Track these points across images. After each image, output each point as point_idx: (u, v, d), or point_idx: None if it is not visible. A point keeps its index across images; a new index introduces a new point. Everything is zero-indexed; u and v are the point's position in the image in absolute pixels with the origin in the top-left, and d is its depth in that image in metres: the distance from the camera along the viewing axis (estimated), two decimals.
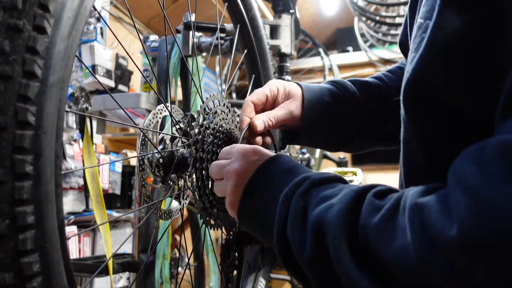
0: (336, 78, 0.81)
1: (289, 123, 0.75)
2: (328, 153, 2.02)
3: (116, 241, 2.08)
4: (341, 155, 2.19)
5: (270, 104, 0.75)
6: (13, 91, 0.31)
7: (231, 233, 0.75)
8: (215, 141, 0.69)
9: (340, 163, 2.14)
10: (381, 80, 0.81)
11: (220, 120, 0.72)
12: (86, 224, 2.07)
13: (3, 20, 0.32)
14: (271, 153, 0.58)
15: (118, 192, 2.41)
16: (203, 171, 0.66)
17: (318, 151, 1.84)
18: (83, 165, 1.32)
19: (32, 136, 0.32)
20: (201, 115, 0.69)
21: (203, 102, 0.70)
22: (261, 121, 0.70)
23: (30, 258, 0.32)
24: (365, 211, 0.41)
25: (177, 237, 2.46)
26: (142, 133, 0.73)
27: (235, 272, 0.76)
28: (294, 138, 0.79)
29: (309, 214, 0.45)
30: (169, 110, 0.74)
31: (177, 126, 0.75)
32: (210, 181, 0.68)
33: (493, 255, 0.30)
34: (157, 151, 0.72)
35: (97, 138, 2.48)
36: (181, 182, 0.76)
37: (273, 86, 0.74)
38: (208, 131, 0.68)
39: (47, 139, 0.33)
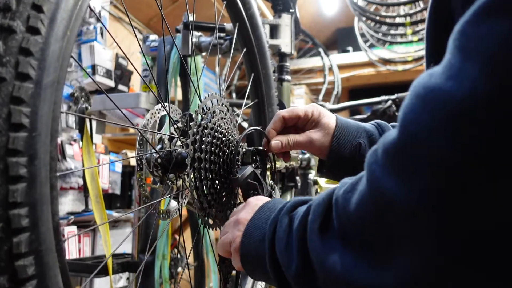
0: (381, 121, 0.81)
1: (309, 151, 0.78)
2: None
3: (116, 241, 2.08)
4: None
5: (301, 125, 0.77)
6: (6, 93, 0.31)
7: None
8: (213, 141, 0.69)
9: None
10: None
11: (218, 119, 0.71)
12: (86, 224, 2.06)
13: None
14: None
15: (118, 192, 2.41)
16: (201, 171, 0.66)
17: None
18: (83, 165, 1.32)
19: (26, 138, 0.32)
20: (199, 115, 0.68)
21: (201, 101, 0.70)
22: (279, 142, 0.75)
23: (24, 261, 0.31)
24: (336, 189, 0.42)
25: (177, 237, 2.46)
26: (140, 133, 0.72)
27: (233, 272, 0.76)
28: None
29: (293, 226, 0.47)
30: (167, 109, 0.73)
31: (175, 126, 0.75)
32: (208, 181, 0.68)
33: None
34: (155, 151, 0.71)
35: (97, 138, 2.48)
36: (180, 182, 0.76)
37: (310, 109, 0.76)
38: (206, 131, 0.67)
39: (42, 141, 0.33)
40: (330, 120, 0.76)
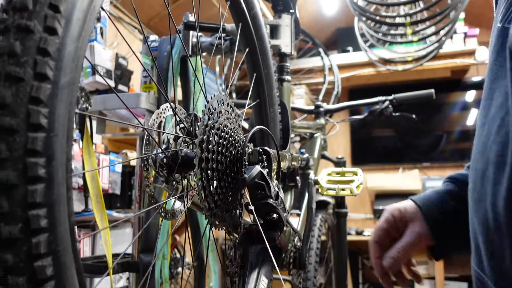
0: (453, 174, 0.76)
1: (423, 244, 0.72)
2: (326, 153, 2.01)
3: (116, 241, 2.08)
4: (339, 155, 2.18)
5: (394, 234, 0.73)
6: (25, 93, 0.31)
7: (235, 234, 0.75)
8: (220, 141, 0.69)
9: (339, 163, 2.13)
10: None
11: (224, 119, 0.71)
12: (86, 224, 2.06)
13: (14, 21, 0.32)
14: None
15: (118, 192, 2.41)
16: (209, 171, 0.66)
17: (316, 151, 1.84)
18: (83, 165, 1.32)
19: (45, 139, 0.32)
20: (206, 115, 0.68)
21: (207, 101, 0.70)
22: (390, 259, 0.69)
23: (43, 262, 0.31)
24: None
25: (177, 237, 2.46)
26: (146, 133, 0.72)
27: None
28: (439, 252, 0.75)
29: None
30: (174, 109, 0.73)
31: (181, 126, 0.75)
32: (215, 182, 0.68)
33: None
34: (161, 151, 0.71)
35: (97, 138, 2.48)
36: (185, 182, 0.75)
37: (389, 215, 0.73)
38: (213, 131, 0.67)
39: (59, 142, 0.33)
40: (411, 205, 0.72)
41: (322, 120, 1.91)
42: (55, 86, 0.32)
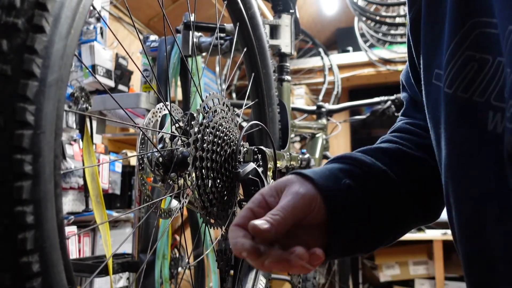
0: (342, 154, 0.60)
1: (306, 213, 0.51)
2: (328, 154, 2.00)
3: (116, 241, 2.08)
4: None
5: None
6: (11, 90, 0.31)
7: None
8: (215, 139, 0.69)
9: None
10: (394, 142, 0.65)
11: (219, 118, 0.72)
12: (86, 224, 2.06)
13: (1, 19, 0.32)
14: None
15: (118, 192, 2.41)
16: (203, 170, 0.66)
17: (318, 151, 1.84)
18: (83, 165, 1.32)
19: (31, 136, 0.32)
20: (201, 114, 0.68)
21: (202, 101, 0.70)
22: (263, 221, 0.46)
23: (29, 258, 0.31)
24: None
25: (177, 237, 2.46)
26: (141, 132, 0.73)
27: (231, 271, 0.76)
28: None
29: None
30: (169, 108, 0.74)
31: (177, 125, 0.75)
32: (209, 180, 0.68)
33: None
34: (156, 150, 0.72)
35: (97, 138, 2.48)
36: (181, 181, 0.76)
37: (256, 196, 0.53)
38: (208, 130, 0.68)
39: (46, 139, 0.33)
40: (288, 177, 0.54)
41: (324, 120, 1.92)
42: (42, 84, 0.33)
